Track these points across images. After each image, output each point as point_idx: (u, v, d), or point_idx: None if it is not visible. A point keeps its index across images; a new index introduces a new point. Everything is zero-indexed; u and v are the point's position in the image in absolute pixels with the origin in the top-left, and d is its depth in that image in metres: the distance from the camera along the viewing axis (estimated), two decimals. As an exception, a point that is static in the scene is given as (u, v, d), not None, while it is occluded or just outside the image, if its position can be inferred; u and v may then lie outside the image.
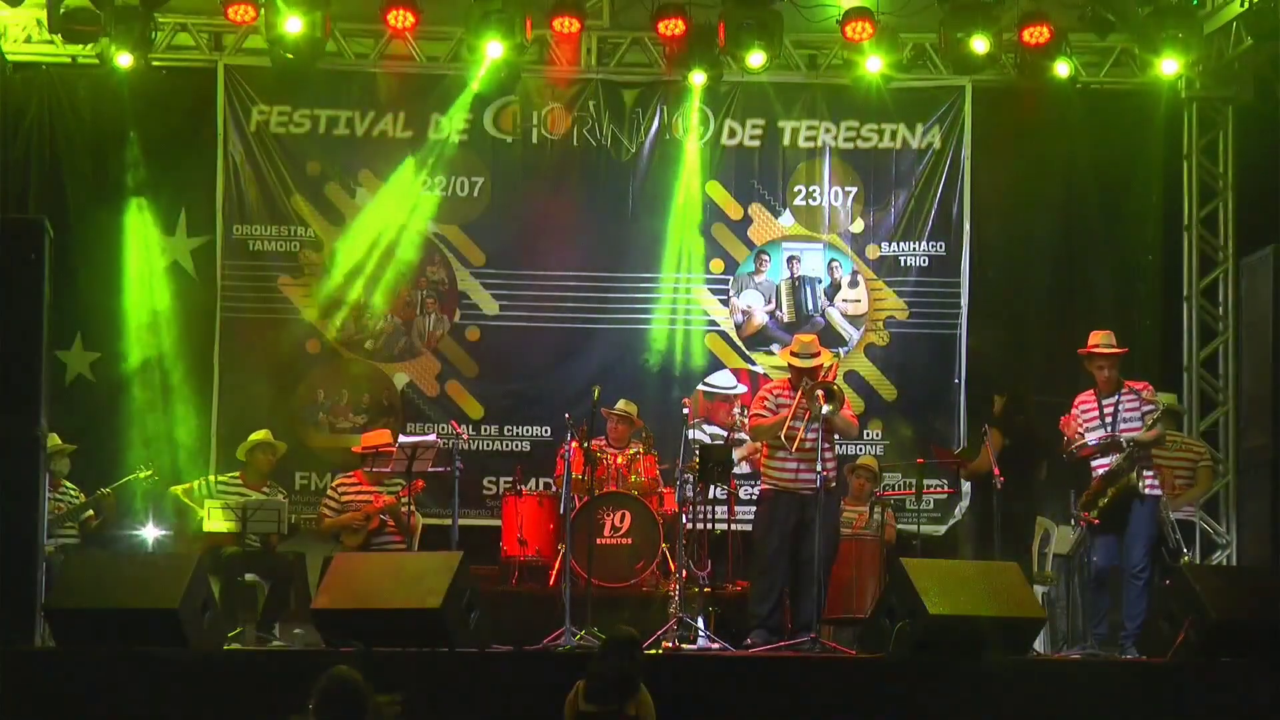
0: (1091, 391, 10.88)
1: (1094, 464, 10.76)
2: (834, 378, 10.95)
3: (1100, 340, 10.84)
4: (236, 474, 11.83)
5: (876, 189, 13.45)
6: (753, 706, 8.95)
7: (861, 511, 11.80)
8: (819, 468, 10.27)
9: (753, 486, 12.04)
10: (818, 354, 10.70)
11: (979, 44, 12.38)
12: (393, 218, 13.18)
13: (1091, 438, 10.77)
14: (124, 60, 12.30)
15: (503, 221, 13.32)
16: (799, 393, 10.49)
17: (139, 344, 12.84)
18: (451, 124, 13.19)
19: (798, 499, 10.44)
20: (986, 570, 9.97)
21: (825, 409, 10.35)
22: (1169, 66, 12.61)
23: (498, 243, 13.32)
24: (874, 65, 12.94)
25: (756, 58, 12.61)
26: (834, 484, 10.69)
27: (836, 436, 10.73)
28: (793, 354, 10.77)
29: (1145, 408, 10.75)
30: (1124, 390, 10.78)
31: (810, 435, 10.42)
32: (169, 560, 9.61)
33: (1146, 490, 10.66)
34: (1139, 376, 11.15)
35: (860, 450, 12.90)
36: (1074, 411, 10.88)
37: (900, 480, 12.87)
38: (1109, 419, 10.75)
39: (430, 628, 9.11)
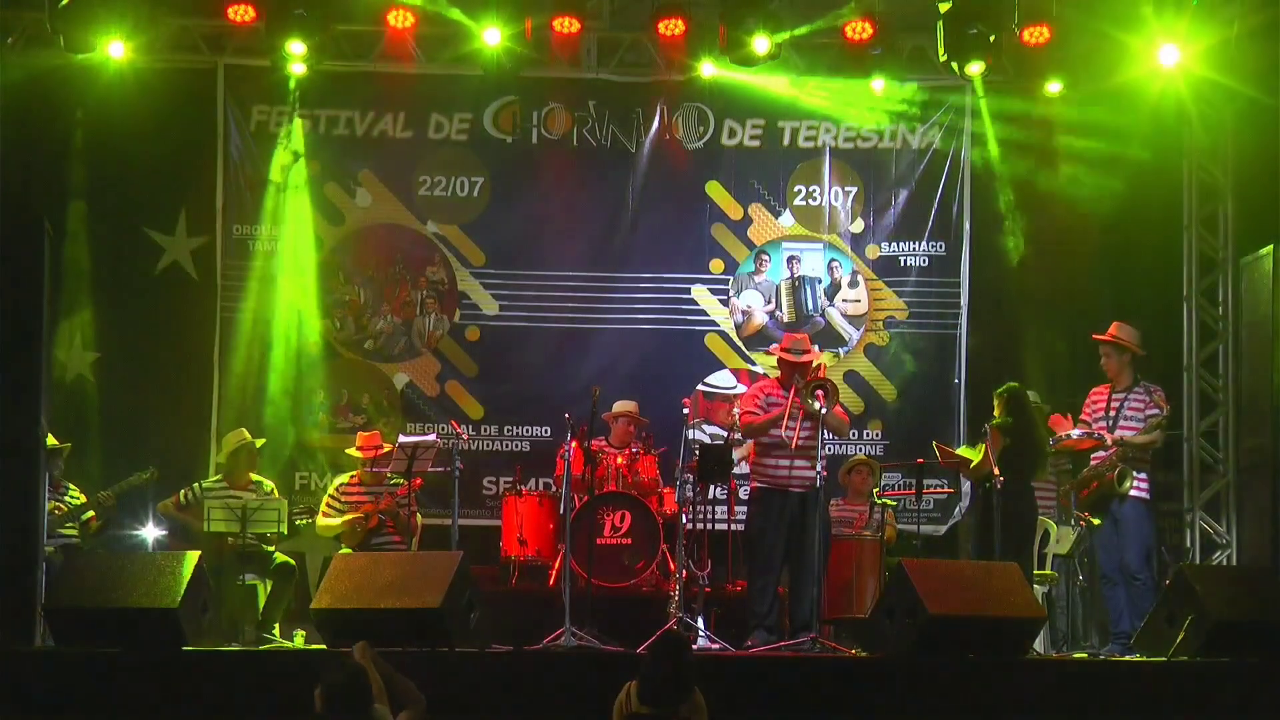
0: (1106, 385, 10.94)
1: (1093, 456, 10.86)
2: (824, 374, 10.97)
3: (1113, 330, 10.94)
4: (219, 477, 11.81)
5: (876, 189, 13.46)
6: (753, 706, 8.95)
7: (861, 511, 11.80)
8: (819, 466, 10.28)
9: (752, 486, 12.04)
10: (808, 350, 10.75)
11: (978, 62, 12.36)
12: (392, 217, 13.20)
13: (1076, 431, 10.85)
14: (115, 50, 12.19)
15: (502, 221, 13.31)
16: (791, 392, 10.50)
17: (139, 344, 12.83)
18: (451, 124, 13.21)
19: (792, 496, 10.45)
20: (986, 570, 9.99)
21: (822, 408, 10.36)
22: (1168, 63, 12.60)
23: (497, 243, 13.31)
24: (874, 66, 12.94)
25: (761, 43, 12.47)
26: (822, 482, 10.70)
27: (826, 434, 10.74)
28: (784, 350, 10.80)
29: (1149, 410, 10.77)
30: (1137, 388, 10.84)
31: (805, 432, 10.43)
32: (169, 560, 9.58)
33: (1132, 493, 10.68)
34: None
35: (857, 450, 12.86)
36: (1086, 403, 10.94)
37: (900, 480, 12.86)
38: (1113, 413, 10.80)
39: (430, 628, 9.11)
